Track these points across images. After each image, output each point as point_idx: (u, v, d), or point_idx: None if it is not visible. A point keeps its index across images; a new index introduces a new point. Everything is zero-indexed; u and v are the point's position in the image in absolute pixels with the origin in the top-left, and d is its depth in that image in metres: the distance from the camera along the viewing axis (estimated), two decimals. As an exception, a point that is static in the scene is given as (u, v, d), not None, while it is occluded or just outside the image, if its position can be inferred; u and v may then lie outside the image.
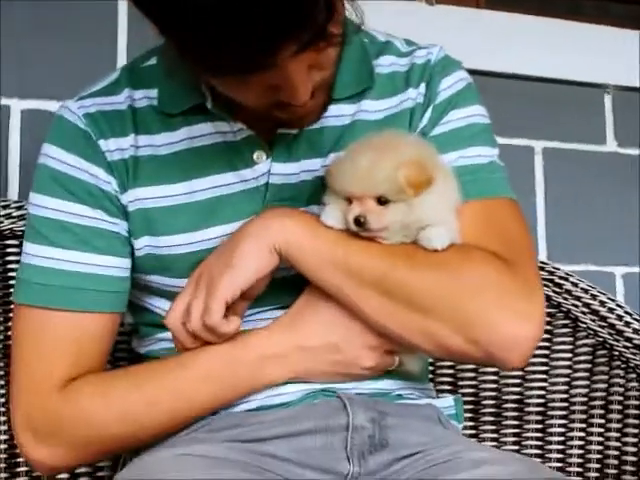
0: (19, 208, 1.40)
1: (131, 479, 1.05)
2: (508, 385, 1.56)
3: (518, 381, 1.56)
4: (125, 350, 1.42)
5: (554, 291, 1.52)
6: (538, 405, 1.55)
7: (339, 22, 1.03)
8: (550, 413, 1.54)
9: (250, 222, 1.13)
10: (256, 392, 1.13)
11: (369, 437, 1.11)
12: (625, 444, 1.48)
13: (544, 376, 1.55)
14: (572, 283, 1.52)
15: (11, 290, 1.30)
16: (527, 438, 1.55)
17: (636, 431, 1.47)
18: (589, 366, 1.53)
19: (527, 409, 1.55)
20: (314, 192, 1.19)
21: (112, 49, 1.72)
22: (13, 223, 1.40)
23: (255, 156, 1.19)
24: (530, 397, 1.55)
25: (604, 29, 2.17)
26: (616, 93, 2.16)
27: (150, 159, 1.21)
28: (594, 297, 1.50)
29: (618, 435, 1.49)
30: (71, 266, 1.18)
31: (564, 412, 1.53)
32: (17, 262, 1.27)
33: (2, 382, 1.38)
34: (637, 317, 1.47)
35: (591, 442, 1.51)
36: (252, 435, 1.11)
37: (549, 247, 2.04)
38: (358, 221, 1.08)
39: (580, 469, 1.51)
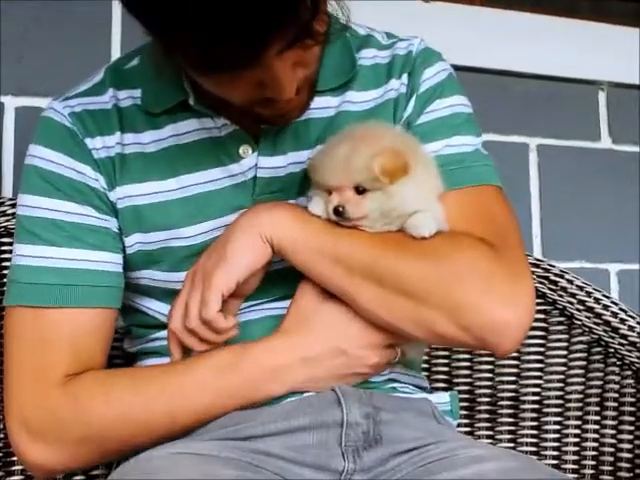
0: (14, 206, 1.40)
1: (126, 478, 1.04)
2: (503, 382, 1.56)
3: (513, 378, 1.56)
4: (119, 348, 1.42)
5: (549, 288, 1.52)
6: (533, 402, 1.55)
7: (324, 20, 1.04)
8: (545, 410, 1.54)
9: (240, 216, 1.13)
10: (255, 403, 1.13)
11: (363, 433, 1.11)
12: (620, 441, 1.48)
13: (539, 373, 1.55)
14: (567, 280, 1.52)
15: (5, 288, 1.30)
16: (522, 435, 1.55)
17: (631, 428, 1.47)
18: (584, 363, 1.53)
19: (522, 406, 1.55)
20: (303, 184, 1.20)
21: (106, 47, 1.71)
22: (7, 221, 1.39)
23: (241, 151, 1.20)
24: (525, 394, 1.55)
25: (599, 26, 2.17)
26: (611, 90, 2.16)
27: (137, 156, 1.21)
28: (589, 294, 1.50)
29: (613, 432, 1.49)
30: (62, 263, 1.18)
31: (559, 409, 1.54)
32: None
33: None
34: (632, 314, 1.47)
35: (586, 439, 1.52)
36: (246, 433, 1.11)
37: (544, 244, 2.05)
38: (337, 211, 1.10)
39: (575, 466, 1.51)
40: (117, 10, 1.71)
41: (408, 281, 1.10)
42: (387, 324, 1.12)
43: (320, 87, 1.22)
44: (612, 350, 1.50)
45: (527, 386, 1.55)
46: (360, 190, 1.10)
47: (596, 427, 1.51)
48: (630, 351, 1.47)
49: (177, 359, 1.13)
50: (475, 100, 1.97)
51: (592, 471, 1.50)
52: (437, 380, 1.57)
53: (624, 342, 1.47)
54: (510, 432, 1.55)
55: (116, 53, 1.71)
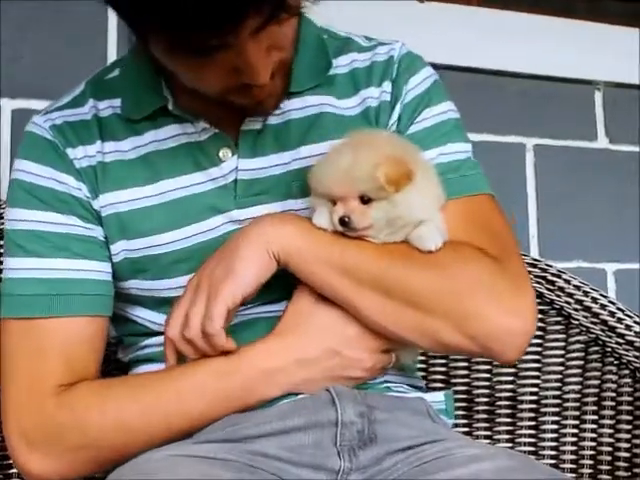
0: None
1: (124, 479, 1.05)
2: (501, 382, 1.56)
3: (511, 378, 1.56)
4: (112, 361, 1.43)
5: (547, 288, 1.52)
6: (531, 402, 1.55)
7: None
8: (543, 410, 1.54)
9: (247, 227, 1.13)
10: (250, 406, 1.13)
11: (358, 432, 1.11)
12: (618, 440, 1.48)
13: (537, 373, 1.55)
14: (564, 280, 1.52)
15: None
16: (520, 435, 1.55)
17: (629, 427, 1.47)
18: (582, 363, 1.53)
19: (520, 406, 1.55)
20: (285, 186, 1.20)
21: (102, 49, 1.72)
22: (2, 224, 1.39)
23: (221, 154, 1.21)
24: (523, 394, 1.55)
25: (595, 26, 2.18)
26: (607, 90, 2.17)
27: (118, 164, 1.22)
28: (586, 294, 1.50)
29: (611, 431, 1.49)
30: (50, 273, 1.19)
31: (557, 409, 1.54)
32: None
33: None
34: (629, 313, 1.47)
35: (584, 438, 1.51)
36: (242, 434, 1.11)
37: (541, 244, 2.05)
38: (343, 221, 1.09)
39: (573, 465, 1.51)
40: (114, 14, 1.71)
41: (416, 292, 1.10)
42: (392, 334, 1.13)
43: (296, 87, 1.21)
44: (609, 349, 1.50)
45: (525, 386, 1.55)
46: (365, 200, 1.10)
47: (594, 426, 1.51)
48: (627, 350, 1.47)
49: (172, 365, 1.12)
50: (472, 100, 1.98)
51: (590, 470, 1.50)
52: (435, 380, 1.57)
53: (621, 341, 1.47)
54: (508, 432, 1.55)
55: (113, 55, 1.71)
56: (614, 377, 1.50)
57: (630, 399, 1.48)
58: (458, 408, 1.56)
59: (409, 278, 1.10)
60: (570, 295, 1.52)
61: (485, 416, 1.57)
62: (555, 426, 1.54)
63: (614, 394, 1.50)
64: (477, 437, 1.55)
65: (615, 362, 1.50)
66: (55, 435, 1.15)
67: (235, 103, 1.13)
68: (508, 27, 2.06)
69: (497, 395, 1.56)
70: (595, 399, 1.51)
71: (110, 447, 1.14)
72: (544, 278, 1.53)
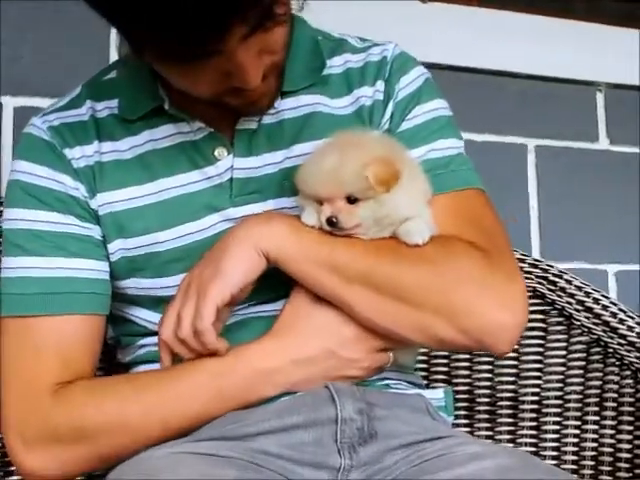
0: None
1: (125, 478, 1.05)
2: (503, 382, 1.56)
3: (512, 378, 1.56)
4: (103, 363, 1.42)
5: (548, 288, 1.52)
6: (533, 402, 1.55)
7: (284, 2, 1.05)
8: (545, 410, 1.54)
9: (236, 227, 1.14)
10: (248, 405, 1.13)
11: (358, 429, 1.11)
12: (620, 441, 1.48)
13: (538, 373, 1.55)
14: (566, 280, 1.52)
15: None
16: (522, 435, 1.55)
17: (631, 428, 1.47)
18: (583, 363, 1.53)
19: (522, 406, 1.55)
20: (278, 185, 1.21)
21: (105, 46, 1.72)
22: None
23: (217, 153, 1.21)
24: (525, 394, 1.55)
25: (596, 27, 2.18)
26: (608, 91, 2.17)
27: (115, 163, 1.23)
28: (588, 294, 1.50)
29: (612, 432, 1.49)
30: (47, 272, 1.19)
31: (558, 409, 1.53)
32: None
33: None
34: (631, 314, 1.47)
35: (585, 439, 1.51)
36: (242, 432, 1.11)
37: (542, 245, 2.05)
38: (331, 221, 1.10)
39: (575, 466, 1.51)
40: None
41: (405, 288, 1.11)
42: (385, 330, 1.13)
43: (289, 87, 1.22)
44: (611, 350, 1.49)
45: (526, 386, 1.55)
46: (352, 199, 1.10)
47: (595, 427, 1.51)
48: (629, 351, 1.47)
49: (167, 366, 1.13)
50: (473, 101, 1.99)
51: (591, 471, 1.50)
52: (436, 380, 1.57)
53: (623, 342, 1.47)
54: (509, 432, 1.55)
55: (114, 52, 1.71)
56: (616, 378, 1.50)
57: (632, 400, 1.48)
58: (459, 408, 1.56)
59: (398, 274, 1.11)
60: (572, 296, 1.52)
61: (486, 416, 1.57)
62: (556, 427, 1.53)
63: (616, 395, 1.49)
64: (478, 437, 1.55)
65: (617, 363, 1.50)
66: (52, 433, 1.15)
67: (229, 105, 1.14)
68: (510, 28, 2.06)
69: (498, 395, 1.56)
70: (597, 400, 1.51)
71: (107, 445, 1.14)
72: (545, 279, 1.52)
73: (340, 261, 1.11)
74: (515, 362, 1.55)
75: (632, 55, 2.15)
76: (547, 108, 2.10)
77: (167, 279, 1.21)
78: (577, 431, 1.52)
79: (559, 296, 1.52)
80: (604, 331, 1.49)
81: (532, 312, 1.50)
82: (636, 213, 2.13)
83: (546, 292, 1.53)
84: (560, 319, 1.54)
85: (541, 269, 1.53)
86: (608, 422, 1.50)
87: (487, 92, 2.04)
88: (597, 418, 1.51)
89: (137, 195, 1.22)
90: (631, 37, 2.18)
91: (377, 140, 1.18)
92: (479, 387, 1.57)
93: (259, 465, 1.07)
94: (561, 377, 1.54)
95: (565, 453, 1.52)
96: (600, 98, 2.16)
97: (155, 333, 1.19)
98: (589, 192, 2.11)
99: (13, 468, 1.36)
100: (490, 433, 1.55)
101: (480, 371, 1.57)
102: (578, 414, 1.52)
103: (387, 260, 1.11)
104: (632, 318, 1.46)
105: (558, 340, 1.55)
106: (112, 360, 1.35)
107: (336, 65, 1.28)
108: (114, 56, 1.71)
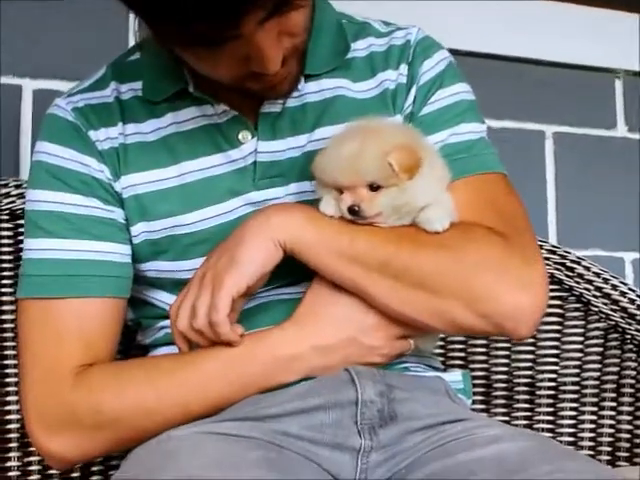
0: (17, 186, 1.41)
1: (145, 457, 1.05)
2: (520, 368, 1.56)
3: (529, 364, 1.56)
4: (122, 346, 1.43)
5: (566, 275, 1.52)
6: (550, 388, 1.55)
7: None
8: (561, 396, 1.54)
9: (252, 217, 1.13)
10: (268, 390, 1.13)
11: (378, 411, 1.11)
12: (637, 427, 1.48)
13: (555, 359, 1.55)
14: (584, 267, 1.52)
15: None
16: (539, 421, 1.55)
17: (648, 414, 1.48)
18: (601, 349, 1.53)
19: (539, 392, 1.55)
20: (303, 168, 1.20)
21: (124, 28, 1.71)
22: (11, 203, 1.40)
23: (241, 136, 1.21)
24: (542, 380, 1.55)
25: (615, 14, 2.17)
26: (627, 78, 2.16)
27: (139, 146, 1.22)
28: (606, 281, 1.50)
29: (630, 418, 1.49)
30: (70, 254, 1.19)
31: (575, 395, 1.54)
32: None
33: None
34: (650, 301, 1.47)
35: (602, 425, 1.51)
36: (263, 413, 1.11)
37: (559, 231, 2.05)
38: (353, 210, 1.09)
39: (591, 452, 1.51)
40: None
41: (425, 274, 1.10)
42: (405, 317, 1.13)
43: (313, 70, 1.22)
44: (629, 336, 1.49)
45: (543, 372, 1.55)
46: (373, 187, 1.09)
47: (612, 413, 1.51)
48: (647, 337, 1.47)
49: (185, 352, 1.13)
50: (491, 87, 1.98)
51: (608, 457, 1.50)
52: (453, 365, 1.57)
53: (641, 328, 1.47)
54: (526, 418, 1.55)
55: (132, 35, 1.71)
56: (633, 364, 1.50)
57: (649, 386, 1.48)
58: (476, 393, 1.56)
59: (418, 261, 1.10)
60: (590, 282, 1.52)
61: (503, 401, 1.57)
62: (573, 412, 1.54)
63: (633, 381, 1.49)
64: (495, 422, 1.55)
65: (634, 349, 1.50)
66: (72, 417, 1.15)
67: (250, 89, 1.14)
68: (530, 15, 2.05)
69: (515, 381, 1.56)
70: (614, 386, 1.51)
71: (128, 428, 1.14)
72: (563, 265, 1.53)
73: (360, 251, 1.10)
74: (532, 347, 1.56)
75: (652, 42, 2.14)
76: (565, 95, 2.09)
77: (188, 262, 1.20)
78: (594, 417, 1.52)
79: (577, 282, 1.52)
80: (622, 317, 1.49)
81: (550, 298, 1.49)
82: (654, 200, 2.12)
83: (564, 278, 1.53)
84: (578, 305, 1.54)
85: (559, 255, 1.53)
86: (625, 408, 1.50)
87: (505, 79, 2.03)
88: (614, 404, 1.51)
89: (161, 178, 1.21)
90: (651, 24, 2.17)
91: (396, 127, 1.18)
92: (496, 372, 1.57)
93: (280, 446, 1.07)
94: (578, 363, 1.54)
95: (582, 439, 1.52)
96: (619, 85, 2.15)
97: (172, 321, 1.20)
98: (607, 179, 2.10)
99: (32, 449, 1.37)
100: (507, 418, 1.56)
101: (497, 356, 1.57)
102: (595, 400, 1.52)
103: (407, 248, 1.11)
104: (650, 305, 1.47)
105: (576, 326, 1.55)
106: (131, 342, 1.35)
107: (360, 49, 1.27)
108: (132, 39, 1.71)
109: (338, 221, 1.11)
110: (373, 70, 1.26)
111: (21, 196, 1.41)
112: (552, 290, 1.52)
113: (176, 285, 1.21)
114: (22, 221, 1.40)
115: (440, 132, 1.21)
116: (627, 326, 1.49)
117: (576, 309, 1.55)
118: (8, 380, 1.38)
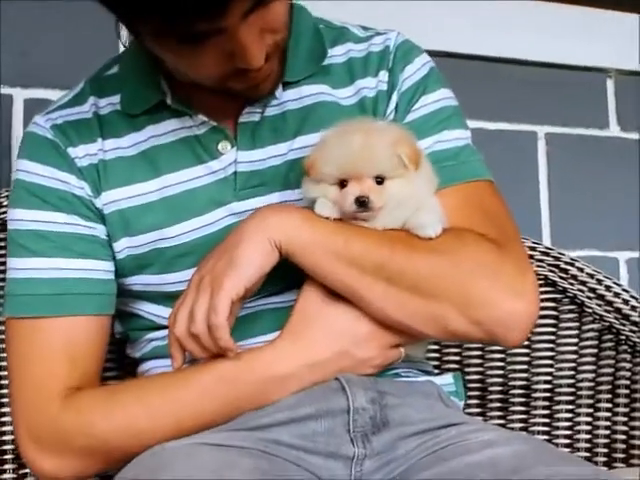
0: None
1: (142, 468, 1.05)
2: (515, 371, 1.56)
3: (525, 367, 1.56)
4: (114, 360, 1.43)
5: (560, 276, 1.52)
6: (545, 390, 1.55)
7: None
8: (557, 398, 1.54)
9: (248, 219, 1.12)
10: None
11: (370, 418, 1.11)
12: (633, 428, 1.48)
13: (551, 361, 1.55)
14: (578, 268, 1.52)
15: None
16: (534, 423, 1.55)
17: (643, 414, 1.47)
18: (596, 351, 1.53)
19: (534, 394, 1.55)
20: (282, 177, 1.20)
21: (114, 37, 1.70)
22: (4, 213, 1.40)
23: (220, 147, 1.21)
24: (537, 382, 1.55)
25: (606, 13, 2.17)
26: (618, 77, 2.16)
27: (119, 161, 1.22)
28: (600, 282, 1.50)
29: (625, 419, 1.49)
30: (53, 273, 1.19)
31: (571, 397, 1.54)
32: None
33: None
34: (643, 301, 1.47)
35: (598, 427, 1.51)
36: (254, 423, 1.11)
37: (553, 232, 2.05)
38: (361, 201, 1.08)
39: (588, 454, 1.51)
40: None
41: (419, 279, 1.10)
42: (398, 322, 1.12)
43: (291, 77, 1.21)
44: (623, 337, 1.49)
45: (539, 374, 1.55)
46: (379, 179, 1.09)
47: (608, 414, 1.51)
48: (642, 338, 1.47)
49: (179, 363, 1.11)
50: (483, 89, 1.98)
51: (604, 458, 1.50)
52: (449, 369, 1.57)
53: (635, 329, 1.47)
54: (522, 420, 1.55)
55: (124, 43, 1.71)
56: (628, 365, 1.50)
57: (644, 387, 1.48)
58: (472, 397, 1.56)
59: (412, 265, 1.10)
60: (583, 283, 1.52)
61: (499, 404, 1.57)
62: (569, 414, 1.54)
63: (628, 382, 1.49)
64: (491, 425, 1.55)
65: (629, 350, 1.50)
66: (63, 438, 1.15)
67: (232, 90, 1.13)
68: (521, 15, 2.05)
69: (511, 384, 1.57)
70: (609, 387, 1.51)
71: (120, 449, 1.14)
72: (557, 266, 1.52)
73: (355, 252, 1.10)
74: (527, 350, 1.56)
75: (643, 41, 2.14)
76: (557, 95, 2.09)
77: (174, 275, 1.20)
78: (590, 418, 1.52)
79: (571, 284, 1.52)
80: (616, 318, 1.49)
81: (544, 300, 1.50)
82: (647, 200, 2.12)
83: (558, 280, 1.53)
84: (572, 307, 1.54)
85: (552, 257, 1.52)
86: (621, 409, 1.50)
87: (497, 80, 2.03)
88: (610, 405, 1.51)
89: (142, 192, 1.21)
90: (641, 23, 2.17)
91: (393, 125, 1.18)
92: (491, 376, 1.58)
93: (273, 454, 1.07)
94: (573, 365, 1.54)
95: (578, 441, 1.52)
96: (610, 85, 2.15)
97: (162, 327, 1.20)
98: (600, 179, 2.10)
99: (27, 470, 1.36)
100: (503, 421, 1.56)
101: (492, 359, 1.57)
102: (590, 401, 1.52)
103: (401, 251, 1.10)
104: (644, 305, 1.47)
105: (570, 328, 1.55)
106: (122, 355, 1.35)
107: (338, 54, 1.27)
108: (122, 49, 1.70)
109: (333, 222, 1.11)
110: (352, 77, 1.25)
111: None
112: (546, 292, 1.52)
113: (163, 297, 1.21)
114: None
115: (425, 139, 1.20)
116: (621, 327, 1.49)
117: (570, 310, 1.55)
118: (3, 391, 1.37)
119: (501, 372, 1.57)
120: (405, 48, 1.27)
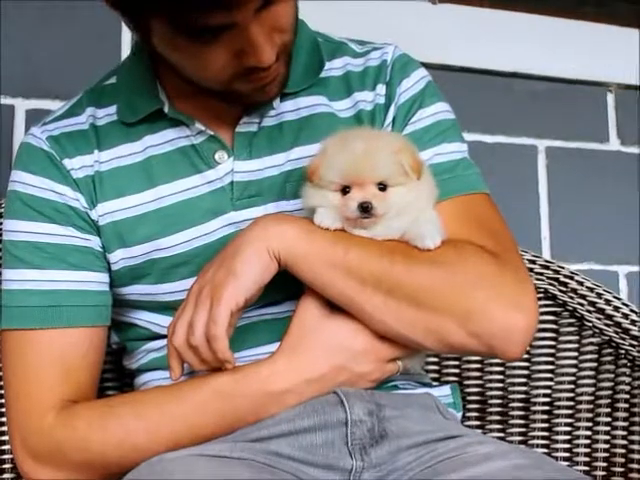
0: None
1: (142, 478, 1.05)
2: (514, 384, 1.56)
3: (524, 380, 1.55)
4: (112, 371, 1.43)
5: (559, 290, 1.52)
6: (544, 404, 1.54)
7: None
8: (556, 412, 1.54)
9: (247, 229, 1.12)
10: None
11: (368, 430, 1.11)
12: (632, 442, 1.47)
13: (550, 375, 1.54)
14: (577, 282, 1.51)
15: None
16: (534, 437, 1.54)
17: (643, 429, 1.47)
18: (595, 364, 1.52)
19: (533, 408, 1.55)
20: (279, 187, 1.20)
21: (116, 47, 1.72)
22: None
23: (217, 156, 1.21)
24: (536, 396, 1.55)
25: (606, 28, 2.18)
26: (619, 91, 2.16)
27: (115, 171, 1.22)
28: (599, 296, 1.50)
29: (625, 433, 1.48)
30: (47, 285, 1.19)
31: (570, 411, 1.53)
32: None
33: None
34: (643, 315, 1.47)
35: (597, 440, 1.51)
36: (253, 435, 1.11)
37: (552, 246, 2.05)
38: (364, 208, 1.08)
39: (587, 467, 1.50)
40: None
41: (418, 290, 1.10)
42: (397, 334, 1.12)
43: (289, 88, 1.22)
44: (623, 351, 1.49)
45: (538, 387, 1.55)
46: (382, 186, 1.10)
47: (607, 429, 1.50)
48: (641, 352, 1.47)
49: (177, 375, 1.11)
50: (483, 102, 1.98)
51: (603, 472, 1.49)
52: (448, 382, 1.57)
53: (635, 343, 1.47)
54: (521, 434, 1.55)
55: (126, 52, 1.72)
56: (627, 379, 1.49)
57: (644, 401, 1.48)
58: (471, 409, 1.56)
59: (411, 276, 1.10)
60: (583, 297, 1.51)
61: (498, 418, 1.56)
62: (568, 428, 1.53)
63: (627, 396, 1.49)
64: (490, 439, 1.55)
65: (629, 364, 1.49)
66: (58, 451, 1.16)
67: (238, 92, 1.13)
68: (521, 29, 2.06)
69: (510, 397, 1.56)
70: (608, 401, 1.51)
71: (116, 463, 1.14)
72: (557, 280, 1.52)
73: (354, 263, 1.10)
74: (527, 363, 1.55)
75: (643, 56, 2.15)
76: (558, 109, 2.10)
77: (171, 284, 1.20)
78: (589, 432, 1.52)
79: (570, 297, 1.52)
80: (616, 332, 1.49)
81: (543, 313, 1.50)
82: (647, 214, 2.13)
83: (557, 294, 1.52)
84: (571, 320, 1.54)
85: (552, 270, 1.52)
86: (620, 423, 1.49)
87: (497, 93, 2.04)
88: (609, 419, 1.50)
89: (138, 202, 1.21)
90: (642, 38, 2.18)
91: (393, 133, 1.20)
92: (491, 389, 1.57)
93: (272, 466, 1.07)
94: (573, 378, 1.54)
95: (577, 454, 1.52)
96: (611, 99, 2.16)
97: (159, 336, 1.21)
98: (600, 193, 2.10)
99: None
100: (502, 434, 1.55)
101: (492, 372, 1.57)
102: (590, 415, 1.52)
103: (400, 262, 1.10)
104: (644, 319, 1.46)
105: (570, 341, 1.54)
106: (121, 366, 1.35)
107: (336, 67, 1.27)
108: (125, 54, 1.70)
109: (332, 233, 1.11)
110: (349, 90, 1.26)
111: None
112: (545, 305, 1.52)
113: (160, 307, 1.21)
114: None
115: (423, 152, 1.20)
116: (621, 341, 1.48)
117: (570, 324, 1.54)
118: (2, 402, 1.37)
119: (500, 385, 1.57)
120: (402, 62, 1.28)
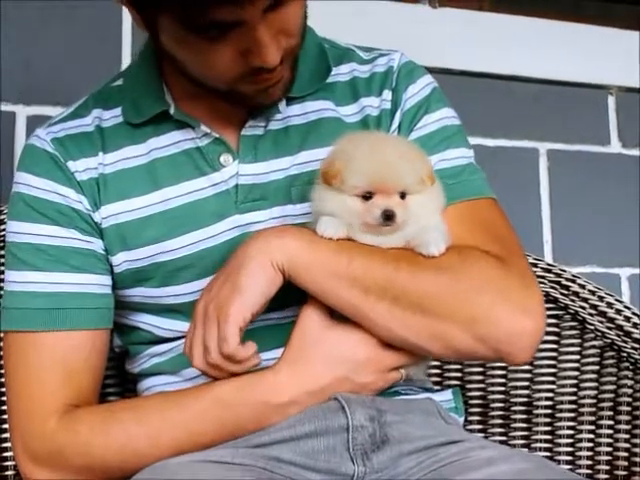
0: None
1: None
2: (517, 388, 1.56)
3: (526, 384, 1.55)
4: (115, 376, 1.43)
5: (561, 293, 1.52)
6: (547, 407, 1.54)
7: None
8: (559, 415, 1.54)
9: (249, 242, 1.12)
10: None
11: (370, 436, 1.11)
12: (635, 445, 1.47)
13: (552, 378, 1.54)
14: (579, 285, 1.51)
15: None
16: (536, 440, 1.54)
17: (646, 432, 1.47)
18: (597, 368, 1.52)
19: (536, 411, 1.55)
20: (284, 191, 1.20)
21: (117, 54, 1.72)
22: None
23: (222, 159, 1.21)
24: (539, 399, 1.54)
25: (607, 30, 2.18)
26: (620, 94, 2.16)
27: (120, 173, 1.22)
28: (601, 299, 1.50)
29: (627, 436, 1.48)
30: (49, 287, 1.19)
31: (573, 414, 1.53)
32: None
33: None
34: (645, 318, 1.46)
35: (600, 444, 1.51)
36: (254, 441, 1.11)
37: (554, 249, 2.05)
38: (387, 215, 1.08)
39: (589, 471, 1.50)
40: (127, 15, 1.72)
41: (423, 297, 1.10)
42: (403, 340, 1.12)
43: (295, 92, 1.22)
44: (625, 354, 1.49)
45: (540, 391, 1.55)
46: (402, 195, 1.10)
47: (610, 432, 1.50)
48: (643, 355, 1.46)
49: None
50: (485, 105, 1.98)
51: (606, 476, 1.49)
52: (450, 386, 1.56)
53: (637, 346, 1.47)
54: (524, 437, 1.55)
55: (126, 59, 1.72)
56: (630, 382, 1.49)
57: (646, 404, 1.48)
58: (473, 413, 1.56)
59: (416, 283, 1.10)
60: (585, 300, 1.51)
61: (500, 421, 1.56)
62: (571, 431, 1.53)
63: (630, 399, 1.49)
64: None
65: (631, 367, 1.49)
66: (59, 455, 1.16)
67: (242, 93, 1.14)
68: (521, 32, 2.06)
69: (512, 401, 1.56)
70: (611, 404, 1.50)
71: (118, 468, 1.14)
72: (558, 283, 1.52)
73: (359, 271, 1.09)
74: (529, 367, 1.55)
75: (644, 58, 2.15)
76: (559, 112, 2.10)
77: (175, 287, 1.20)
78: (591, 435, 1.51)
79: (572, 300, 1.52)
80: (618, 335, 1.49)
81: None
82: (649, 216, 2.12)
83: (559, 297, 1.52)
84: (573, 323, 1.54)
85: (554, 274, 1.52)
86: (623, 426, 1.49)
87: (498, 97, 2.04)
88: (611, 422, 1.50)
89: (143, 205, 1.21)
90: (643, 40, 2.18)
91: (405, 139, 1.21)
92: (493, 392, 1.57)
93: (273, 472, 1.07)
94: (575, 382, 1.53)
95: (580, 458, 1.52)
96: (612, 101, 2.16)
97: (162, 340, 1.21)
98: (601, 196, 2.10)
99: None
100: (504, 438, 1.55)
101: (494, 376, 1.57)
102: (592, 418, 1.52)
103: (405, 270, 1.10)
104: (646, 322, 1.46)
105: (572, 344, 1.54)
106: (124, 370, 1.35)
107: (342, 73, 1.28)
108: (127, 61, 1.71)
109: (335, 243, 1.10)
110: (355, 95, 1.26)
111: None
112: (547, 309, 1.50)
113: (164, 310, 1.21)
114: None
115: (429, 157, 1.19)
116: (623, 344, 1.48)
117: (572, 327, 1.54)
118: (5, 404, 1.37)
119: (502, 388, 1.56)
120: (408, 68, 1.28)
